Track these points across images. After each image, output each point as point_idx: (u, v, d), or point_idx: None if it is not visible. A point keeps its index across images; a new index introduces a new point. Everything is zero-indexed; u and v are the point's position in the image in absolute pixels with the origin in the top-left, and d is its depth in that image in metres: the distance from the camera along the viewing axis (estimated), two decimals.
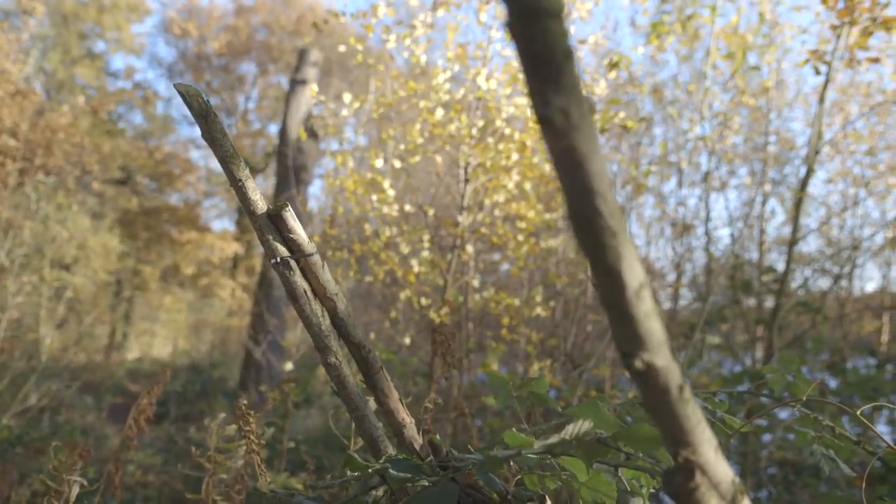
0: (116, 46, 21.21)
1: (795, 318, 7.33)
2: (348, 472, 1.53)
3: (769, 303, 6.91)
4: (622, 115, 5.28)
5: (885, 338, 8.80)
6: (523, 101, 5.18)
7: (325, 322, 1.53)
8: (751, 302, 6.97)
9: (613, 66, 5.21)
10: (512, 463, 1.50)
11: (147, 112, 25.19)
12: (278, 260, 1.47)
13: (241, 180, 1.45)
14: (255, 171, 27.98)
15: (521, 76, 5.24)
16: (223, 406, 10.80)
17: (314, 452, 7.47)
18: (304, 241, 1.49)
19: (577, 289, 6.27)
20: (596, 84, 5.60)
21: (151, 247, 23.94)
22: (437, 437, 1.63)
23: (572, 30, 5.37)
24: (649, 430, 1.09)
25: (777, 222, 10.72)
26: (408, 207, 6.18)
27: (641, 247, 9.62)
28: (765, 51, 6.53)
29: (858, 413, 1.51)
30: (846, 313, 9.03)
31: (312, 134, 14.04)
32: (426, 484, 1.41)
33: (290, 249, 1.49)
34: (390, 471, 1.36)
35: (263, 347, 10.97)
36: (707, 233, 6.47)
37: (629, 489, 1.28)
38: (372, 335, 8.08)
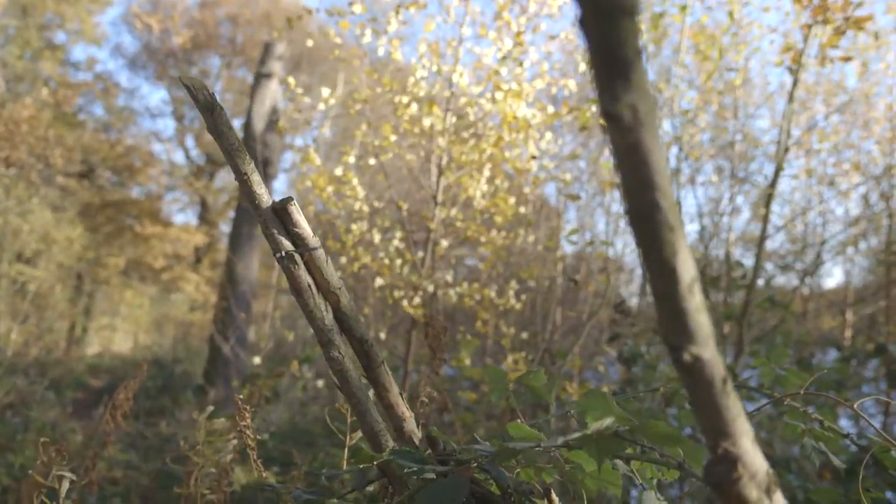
0: (77, 37, 20.88)
1: (761, 314, 7.42)
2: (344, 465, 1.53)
3: (733, 298, 7.00)
4: (594, 108, 5.32)
5: (848, 333, 8.95)
6: (498, 96, 5.20)
7: (329, 316, 1.53)
8: (718, 297, 7.04)
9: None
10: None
11: (108, 104, 24.86)
12: (283, 254, 1.47)
13: (245, 173, 1.45)
14: (218, 165, 27.77)
15: (494, 74, 5.26)
16: (189, 401, 10.69)
17: (282, 447, 7.45)
18: (309, 235, 1.49)
19: (547, 283, 6.31)
20: (566, 79, 5.65)
21: (113, 241, 23.67)
22: (436, 430, 1.64)
23: (543, 26, 5.40)
24: (666, 426, 1.10)
25: (742, 219, 10.84)
26: (377, 203, 6.17)
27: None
28: (734, 49, 6.60)
29: (855, 406, 1.53)
30: (809, 309, 9.16)
31: (277, 128, 13.96)
32: (430, 477, 1.41)
33: (294, 243, 1.49)
34: (399, 461, 1.36)
35: (231, 342, 10.89)
36: None
37: (641, 482, 1.30)
38: None
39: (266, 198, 1.48)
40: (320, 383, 8.16)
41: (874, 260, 9.93)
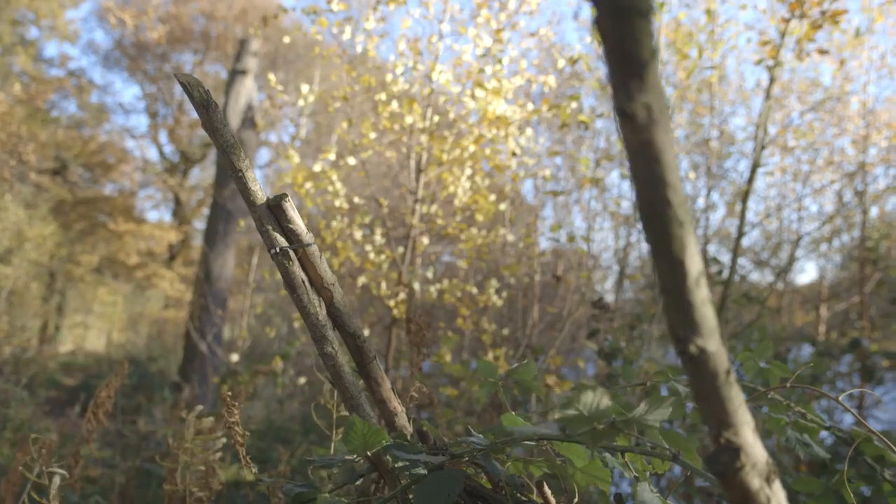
0: (50, 34, 20.69)
1: (737, 309, 7.48)
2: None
3: (710, 294, 7.04)
4: (574, 105, 5.35)
5: (822, 328, 9.05)
6: (479, 94, 5.20)
7: (322, 312, 1.54)
8: None
9: (574, 61, 5.28)
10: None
11: (81, 100, 24.63)
12: (277, 250, 1.48)
13: (240, 170, 1.46)
14: (192, 162, 27.62)
15: (478, 72, 5.27)
16: (164, 399, 10.63)
17: (259, 445, 7.43)
18: (303, 232, 1.50)
19: (527, 280, 6.33)
20: (545, 76, 5.67)
21: (86, 238, 23.50)
22: (427, 424, 1.66)
23: (522, 23, 5.42)
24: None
25: (717, 215, 10.93)
26: (357, 200, 6.16)
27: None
28: (711, 47, 6.64)
29: (839, 399, 1.56)
30: (783, 305, 9.25)
31: (252, 124, 13.90)
32: (423, 472, 1.42)
33: (288, 239, 1.50)
34: (394, 454, 1.38)
35: (209, 339, 10.86)
36: None
37: (635, 474, 1.31)
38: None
39: (261, 194, 1.49)
40: (302, 380, 8.16)
41: (847, 256, 10.04)
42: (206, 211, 25.52)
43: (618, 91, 0.61)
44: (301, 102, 5.40)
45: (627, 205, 9.08)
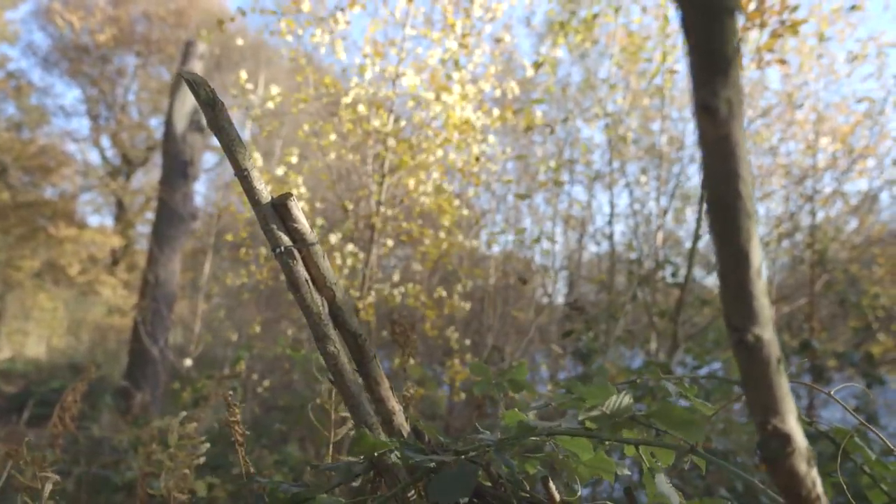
0: None
1: (690, 313, 7.61)
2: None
3: (664, 296, 7.16)
4: (540, 114, 5.41)
5: None
6: (446, 98, 5.19)
7: (324, 311, 1.54)
8: (647, 296, 7.20)
9: (538, 65, 5.32)
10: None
11: (20, 102, 24.09)
12: (282, 249, 1.48)
13: (245, 169, 1.46)
14: (134, 165, 27.20)
15: (446, 79, 5.28)
16: (108, 405, 10.44)
17: (211, 451, 7.34)
18: (307, 231, 1.50)
19: (493, 282, 6.36)
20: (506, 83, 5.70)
21: (25, 243, 23.00)
22: (422, 423, 1.67)
23: (489, 28, 5.44)
24: (682, 410, 1.15)
25: (669, 219, 11.05)
26: (319, 204, 6.15)
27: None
28: (660, 49, 6.71)
29: (832, 393, 1.60)
30: None
31: (198, 128, 13.77)
32: (428, 468, 1.43)
33: (292, 239, 1.50)
34: (406, 452, 1.39)
35: (161, 344, 10.71)
36: (611, 231, 6.67)
37: (650, 466, 1.33)
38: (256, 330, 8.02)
39: (265, 194, 1.49)
40: (266, 383, 8.08)
41: (797, 259, 10.22)
42: (149, 215, 25.20)
43: (702, 86, 0.63)
44: (270, 105, 5.38)
45: (578, 210, 9.18)
